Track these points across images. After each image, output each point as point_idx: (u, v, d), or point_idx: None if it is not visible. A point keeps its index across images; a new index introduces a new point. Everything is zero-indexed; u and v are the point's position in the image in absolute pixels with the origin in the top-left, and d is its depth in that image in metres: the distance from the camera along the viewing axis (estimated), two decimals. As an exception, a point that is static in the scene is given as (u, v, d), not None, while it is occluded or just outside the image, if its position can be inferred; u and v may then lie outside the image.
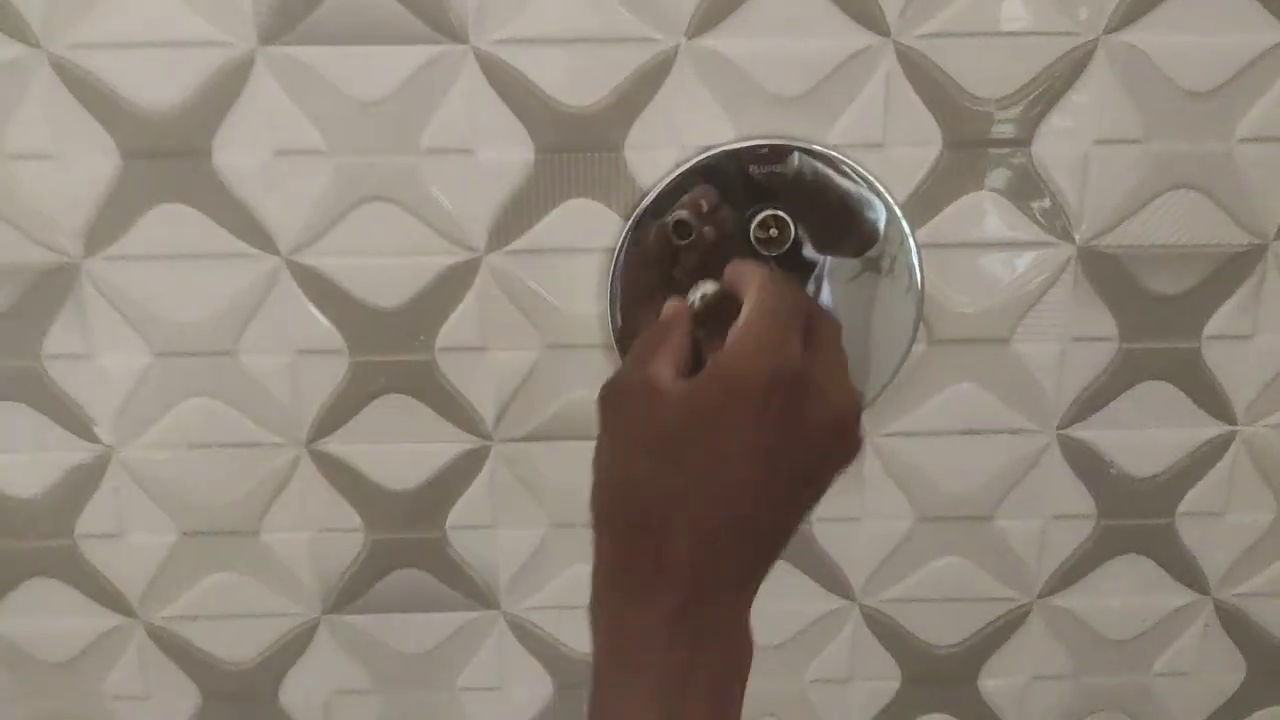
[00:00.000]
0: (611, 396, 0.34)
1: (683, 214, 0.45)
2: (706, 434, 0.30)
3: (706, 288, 0.40)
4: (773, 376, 0.31)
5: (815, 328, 0.34)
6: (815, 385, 0.32)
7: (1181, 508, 0.52)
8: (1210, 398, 0.50)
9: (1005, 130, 0.46)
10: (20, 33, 0.44)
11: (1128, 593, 0.54)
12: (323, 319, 0.48)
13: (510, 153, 0.46)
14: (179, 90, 0.45)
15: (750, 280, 0.36)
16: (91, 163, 0.46)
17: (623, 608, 0.30)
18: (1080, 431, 0.51)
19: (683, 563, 0.29)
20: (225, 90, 0.45)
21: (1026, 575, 0.53)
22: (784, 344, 0.32)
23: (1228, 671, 0.56)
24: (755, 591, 0.32)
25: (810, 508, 0.33)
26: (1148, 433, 0.51)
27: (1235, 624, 0.55)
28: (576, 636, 0.54)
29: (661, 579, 0.29)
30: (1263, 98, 0.45)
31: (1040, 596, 0.54)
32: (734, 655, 0.30)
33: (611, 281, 0.47)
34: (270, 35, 0.44)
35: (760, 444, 0.30)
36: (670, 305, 0.40)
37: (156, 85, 0.45)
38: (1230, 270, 0.48)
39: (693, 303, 0.40)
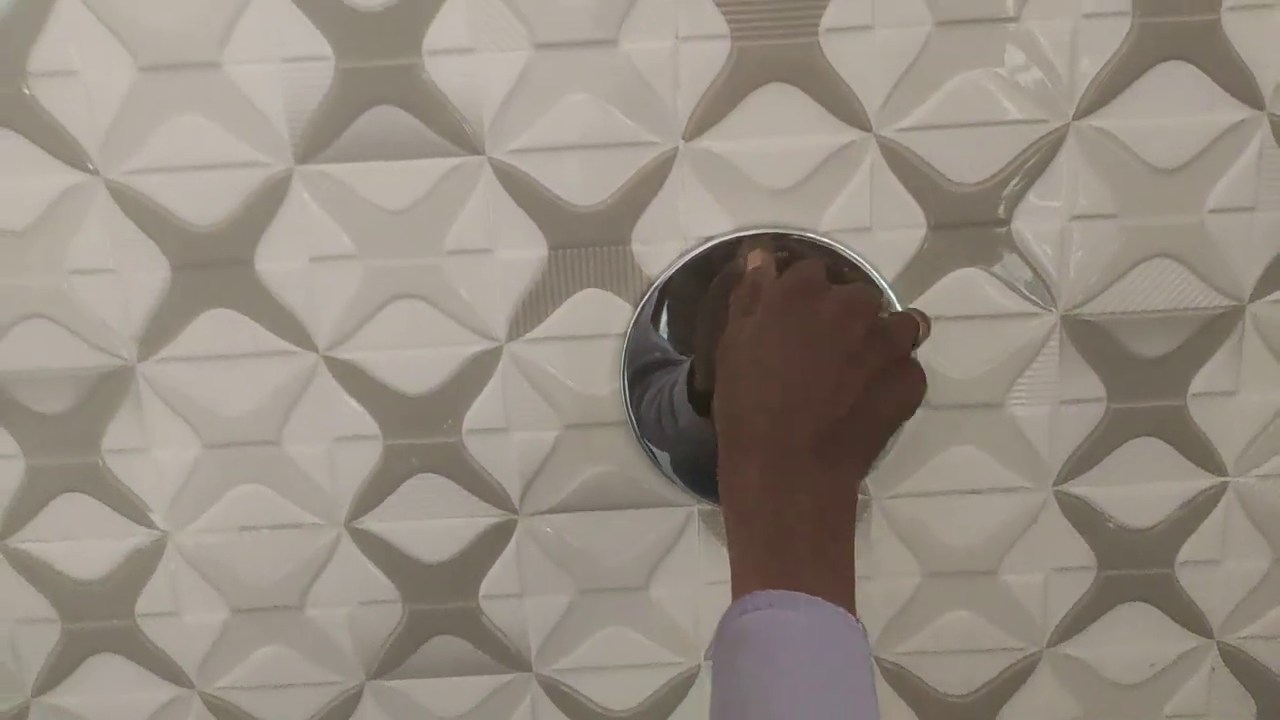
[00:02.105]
0: (721, 346, 0.44)
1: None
2: (763, 345, 0.41)
3: None
4: (786, 285, 0.43)
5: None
6: (824, 286, 0.42)
7: (1180, 557, 0.54)
8: (1200, 452, 0.53)
9: (986, 211, 0.49)
10: (80, 162, 0.49)
11: (1133, 640, 0.56)
12: (358, 407, 0.52)
13: (525, 251, 0.50)
14: (223, 207, 0.49)
15: None
16: (144, 275, 0.50)
17: (730, 476, 0.40)
18: (1076, 488, 0.53)
19: (760, 438, 0.39)
20: (265, 205, 0.49)
21: (1033, 626, 0.55)
22: (798, 269, 0.44)
23: (1238, 714, 0.57)
24: (835, 452, 0.39)
25: (848, 377, 0.40)
26: (1141, 487, 0.53)
27: (1241, 666, 0.56)
28: (605, 694, 0.57)
29: (749, 453, 0.39)
30: (1228, 172, 0.48)
31: (1048, 646, 0.56)
32: (828, 495, 0.39)
33: (624, 364, 0.51)
34: (305, 155, 0.48)
35: (790, 337, 0.41)
36: (755, 267, 0.48)
37: (203, 203, 0.49)
38: (1210, 331, 0.51)
39: None
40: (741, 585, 0.38)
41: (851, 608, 0.37)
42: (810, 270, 0.44)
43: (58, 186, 0.49)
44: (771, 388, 0.40)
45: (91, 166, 0.49)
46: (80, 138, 0.48)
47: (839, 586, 0.37)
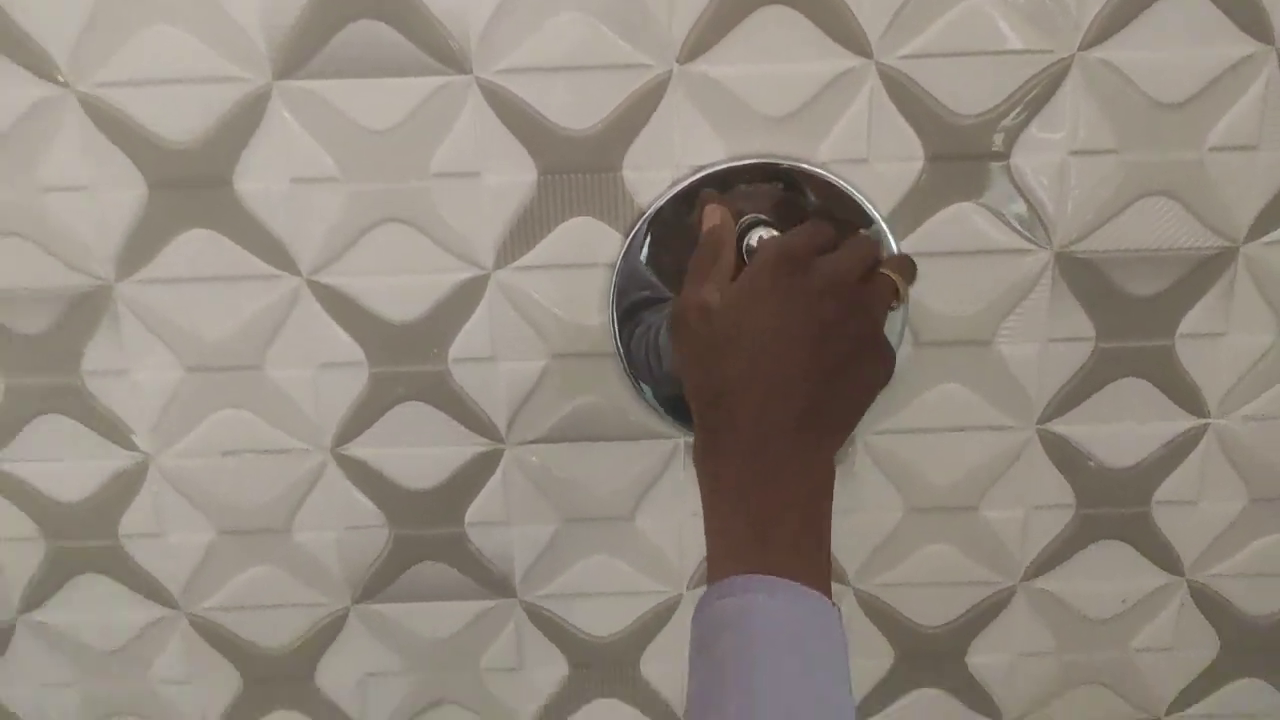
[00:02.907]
0: (681, 318, 0.42)
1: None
2: (741, 320, 0.40)
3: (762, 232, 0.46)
4: (770, 259, 0.40)
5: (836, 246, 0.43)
6: (808, 261, 0.40)
7: (1157, 496, 0.54)
8: (1184, 393, 0.52)
9: (984, 143, 0.47)
10: (49, 73, 0.46)
11: (1107, 576, 0.56)
12: (343, 334, 0.51)
13: (514, 175, 0.48)
14: (201, 123, 0.47)
15: None
16: (121, 193, 0.48)
17: (709, 460, 0.39)
18: (1060, 427, 0.53)
19: (742, 419, 0.38)
20: (244, 122, 0.47)
21: (1010, 560, 0.56)
22: (783, 241, 0.42)
23: (1202, 647, 0.58)
24: (817, 431, 0.39)
25: (826, 355, 0.39)
26: (1124, 426, 0.53)
27: (1208, 603, 0.57)
28: (589, 621, 0.57)
29: (729, 434, 0.38)
30: (1232, 108, 0.47)
31: (1024, 580, 0.56)
32: (809, 478, 0.38)
33: (613, 294, 0.50)
34: (285, 70, 0.46)
35: (769, 315, 0.39)
36: (713, 225, 0.45)
37: (180, 119, 0.47)
38: (1202, 272, 0.50)
39: (748, 243, 0.45)
40: (719, 568, 0.37)
41: (828, 590, 0.36)
42: (797, 242, 0.41)
43: (27, 99, 0.46)
44: (752, 367, 0.38)
45: (61, 78, 0.46)
46: (49, 47, 0.45)
47: (817, 570, 0.36)
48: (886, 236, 0.48)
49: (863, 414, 0.41)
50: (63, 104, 0.46)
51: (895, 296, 0.42)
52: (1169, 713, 0.59)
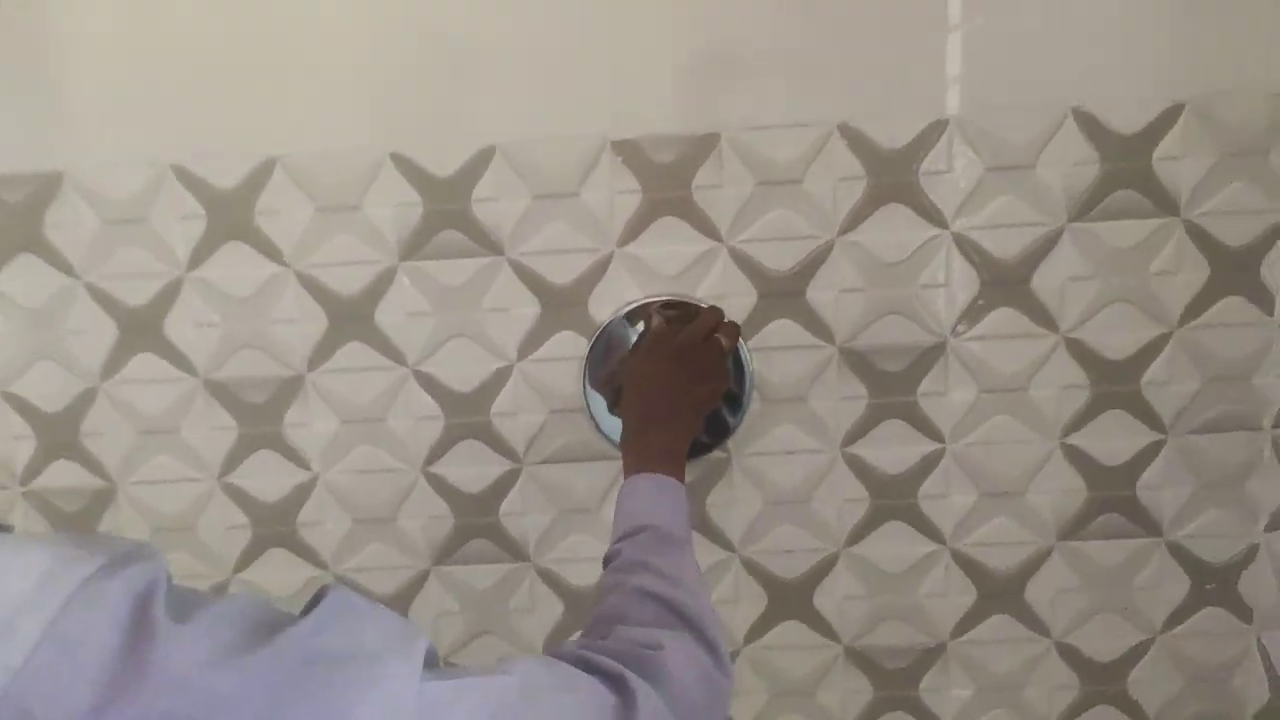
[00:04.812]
0: (619, 373, 0.77)
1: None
2: (637, 378, 0.74)
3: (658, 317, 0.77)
4: (646, 345, 0.76)
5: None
6: (667, 344, 0.74)
7: (920, 492, 0.84)
8: (927, 428, 0.83)
9: (791, 286, 0.80)
10: (278, 257, 0.82)
11: (895, 545, 0.85)
12: (430, 399, 0.84)
13: (528, 309, 0.82)
14: (360, 283, 0.82)
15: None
16: (311, 324, 0.83)
17: (625, 438, 0.73)
18: (853, 449, 0.83)
19: (638, 417, 0.72)
20: (382, 283, 0.82)
21: (831, 533, 0.85)
22: (651, 336, 0.76)
23: (964, 593, 0.86)
24: (674, 419, 0.72)
25: (694, 416, 0.73)
26: (893, 448, 0.83)
27: (965, 564, 0.86)
28: (575, 576, 0.88)
29: (633, 425, 0.72)
30: (929, 264, 0.79)
31: (845, 547, 0.86)
32: (674, 440, 0.71)
33: (584, 374, 0.83)
34: (404, 255, 0.81)
35: (648, 375, 0.73)
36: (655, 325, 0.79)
37: (348, 282, 0.82)
38: (929, 356, 0.81)
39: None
40: (628, 474, 0.69)
41: (681, 479, 0.68)
42: (659, 336, 0.76)
43: (266, 274, 0.82)
44: (641, 393, 0.73)
45: (285, 261, 0.82)
46: (281, 246, 0.81)
47: (676, 473, 0.68)
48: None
49: (709, 410, 0.75)
50: (285, 278, 0.82)
51: (723, 351, 0.75)
52: (952, 637, 0.87)
